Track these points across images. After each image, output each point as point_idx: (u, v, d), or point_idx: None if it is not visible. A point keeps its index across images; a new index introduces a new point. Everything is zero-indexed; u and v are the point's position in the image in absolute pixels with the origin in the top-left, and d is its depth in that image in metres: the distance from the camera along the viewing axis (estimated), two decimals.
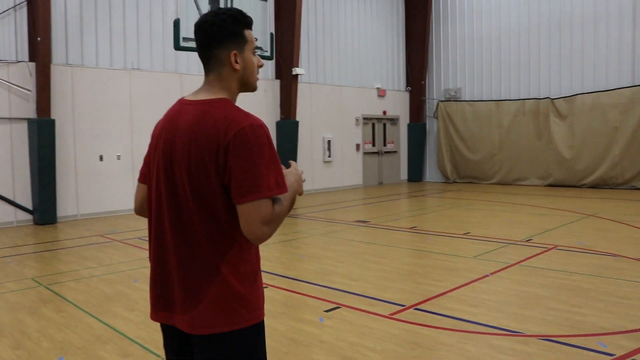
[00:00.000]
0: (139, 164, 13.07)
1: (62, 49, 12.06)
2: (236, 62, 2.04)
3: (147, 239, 2.41)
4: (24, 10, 11.56)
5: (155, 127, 2.17)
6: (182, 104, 2.08)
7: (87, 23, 12.40)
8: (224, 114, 1.93)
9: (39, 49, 11.17)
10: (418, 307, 5.45)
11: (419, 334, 4.71)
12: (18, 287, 6.63)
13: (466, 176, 19.24)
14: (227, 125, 1.89)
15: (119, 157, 12.71)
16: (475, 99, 18.91)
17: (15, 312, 5.65)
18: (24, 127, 11.55)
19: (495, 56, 18.41)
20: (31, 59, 11.59)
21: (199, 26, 2.04)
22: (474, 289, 6.04)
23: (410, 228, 10.06)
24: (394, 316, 5.19)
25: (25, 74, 11.49)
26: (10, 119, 11.39)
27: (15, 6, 11.44)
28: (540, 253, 7.70)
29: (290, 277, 6.71)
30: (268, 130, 1.95)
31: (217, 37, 2.01)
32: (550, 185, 17.15)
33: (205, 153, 1.89)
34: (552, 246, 8.13)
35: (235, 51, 2.04)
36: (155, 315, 2.10)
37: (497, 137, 18.29)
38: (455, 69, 19.51)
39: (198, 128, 1.93)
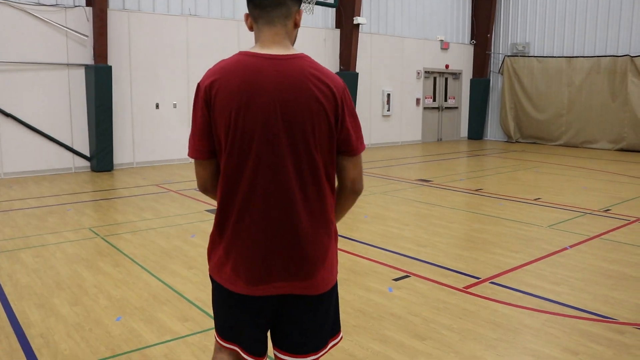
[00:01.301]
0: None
1: None
2: (298, 18, 2.00)
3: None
4: None
5: (225, 86, 1.88)
6: (260, 58, 1.90)
7: None
8: (324, 70, 1.93)
9: None
10: (494, 280, 5.02)
11: (498, 313, 4.29)
12: (76, 237, 6.53)
13: (530, 136, 18.30)
14: (334, 81, 1.91)
15: (175, 106, 12.50)
16: (545, 55, 17.76)
17: (73, 264, 5.52)
18: (81, 73, 11.41)
19: (569, 9, 17.13)
20: (88, 3, 11.33)
21: None
22: (554, 263, 5.54)
23: (477, 190, 9.52)
24: (469, 290, 4.78)
25: (82, 19, 11.28)
26: (68, 64, 11.27)
27: None
28: (622, 226, 7.08)
29: (355, 239, 6.36)
30: None
31: None
32: (622, 150, 16.10)
33: (326, 107, 1.88)
34: (634, 219, 7.48)
35: (300, 9, 2.02)
36: (254, 289, 1.96)
37: (566, 96, 17.21)
38: (525, 22, 18.31)
39: (309, 84, 1.87)
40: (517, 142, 18.46)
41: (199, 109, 1.94)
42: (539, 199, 8.80)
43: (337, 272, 2.09)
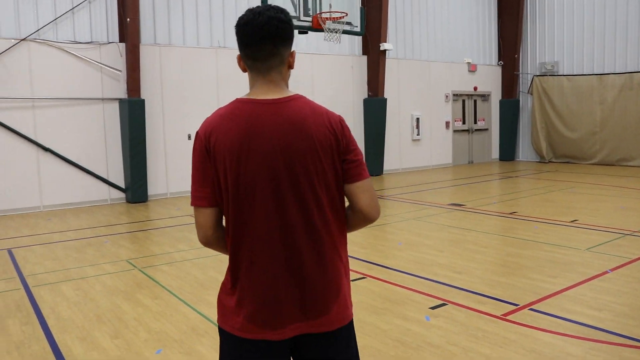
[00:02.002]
0: None
1: (150, 29, 12.12)
2: (291, 61, 2.05)
3: None
4: None
5: (224, 135, 1.93)
6: (257, 104, 1.95)
7: (173, 2, 12.38)
8: (319, 108, 2.00)
9: (129, 29, 11.25)
10: (533, 307, 4.94)
11: (540, 341, 4.21)
12: (114, 269, 6.64)
13: (563, 155, 18.05)
14: (330, 117, 1.99)
15: None
16: (575, 73, 17.59)
17: (112, 296, 5.61)
18: (115, 107, 11.73)
19: (598, 26, 16.98)
20: (121, 39, 11.70)
21: (269, 22, 1.92)
22: (594, 288, 5.43)
23: (511, 213, 9.41)
24: (508, 317, 4.71)
25: (115, 55, 11.62)
26: (102, 99, 11.59)
27: None
28: None
29: (390, 267, 6.33)
30: None
31: (286, 35, 1.98)
32: None
33: (326, 143, 1.94)
34: None
35: (293, 52, 2.05)
36: (271, 333, 1.95)
37: (598, 114, 16.97)
38: (552, 40, 18.20)
39: (308, 123, 1.93)
40: (550, 162, 18.22)
41: (199, 158, 1.98)
42: (575, 220, 8.65)
43: (352, 306, 2.11)
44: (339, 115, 2.05)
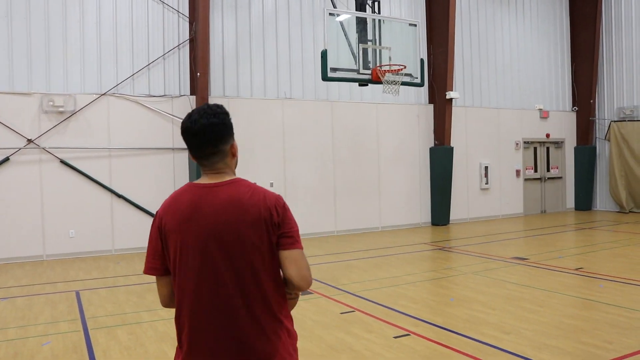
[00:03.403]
0: (292, 190, 13.39)
1: (219, 82, 12.72)
2: (233, 151, 2.33)
3: None
4: (187, 49, 12.39)
5: (172, 215, 2.23)
6: (201, 188, 2.24)
7: (242, 57, 12.98)
8: (258, 188, 2.25)
9: (199, 83, 11.86)
10: None
11: None
12: (168, 316, 6.83)
13: None
14: (266, 195, 2.22)
15: (271, 185, 13.01)
16: None
17: (161, 342, 5.79)
18: (184, 156, 12.27)
19: None
20: (192, 92, 12.36)
21: (205, 129, 2.21)
22: None
23: (576, 269, 8.98)
24: None
25: (186, 107, 12.25)
26: (173, 149, 12.19)
27: (179, 45, 12.31)
28: None
29: (437, 324, 6.18)
30: None
31: (225, 135, 2.27)
32: None
33: (260, 217, 2.16)
34: None
35: (233, 142, 2.32)
36: None
37: None
38: (631, 84, 17.49)
39: (243, 201, 2.18)
40: (630, 212, 17.28)
41: (153, 234, 2.27)
42: None
43: None
44: (278, 195, 2.28)
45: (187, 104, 12.27)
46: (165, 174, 12.16)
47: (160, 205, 2.32)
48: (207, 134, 2.22)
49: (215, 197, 2.20)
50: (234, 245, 2.15)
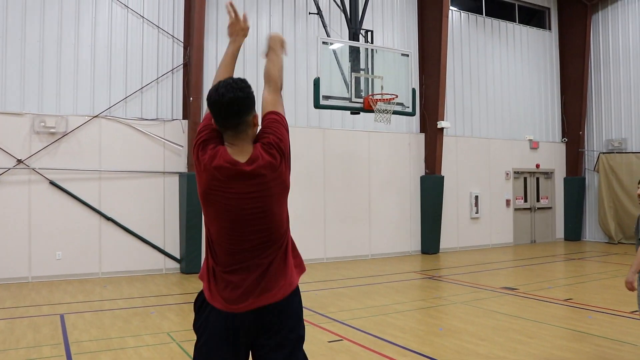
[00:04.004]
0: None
1: None
2: (255, 121, 2.63)
3: None
4: (181, 73, 12.46)
5: (215, 172, 2.57)
6: (238, 168, 2.57)
7: None
8: (264, 156, 2.63)
9: (191, 107, 11.90)
10: None
11: None
12: (153, 342, 6.76)
13: (633, 237, 17.13)
14: (268, 160, 2.62)
15: None
16: None
17: None
18: (175, 180, 12.26)
19: None
20: (184, 117, 12.39)
21: (232, 101, 2.49)
22: None
23: (565, 300, 8.97)
24: None
25: (178, 131, 12.28)
26: (164, 172, 12.17)
27: (172, 69, 12.38)
28: None
29: (425, 354, 6.13)
30: None
31: (249, 107, 2.56)
32: None
33: (275, 179, 2.64)
34: None
35: (255, 113, 2.61)
36: (243, 306, 2.61)
37: None
38: (619, 117, 17.74)
39: (267, 179, 2.61)
40: (619, 243, 17.36)
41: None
42: (636, 311, 8.11)
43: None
44: (268, 142, 2.65)
45: (179, 128, 12.29)
46: (156, 197, 12.10)
47: (203, 131, 2.66)
48: (234, 105, 2.50)
49: (243, 183, 2.55)
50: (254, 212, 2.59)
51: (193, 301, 2.83)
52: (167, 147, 12.19)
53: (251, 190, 2.56)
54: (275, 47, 2.99)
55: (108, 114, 11.73)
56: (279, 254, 2.69)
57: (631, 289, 4.89)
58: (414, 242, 15.43)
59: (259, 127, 2.68)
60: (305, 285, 10.53)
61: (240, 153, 2.56)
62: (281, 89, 2.90)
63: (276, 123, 2.69)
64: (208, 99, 2.54)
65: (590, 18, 18.34)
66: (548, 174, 18.58)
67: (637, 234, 5.21)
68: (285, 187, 2.69)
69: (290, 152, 2.70)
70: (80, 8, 11.61)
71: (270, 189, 2.60)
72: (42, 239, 11.07)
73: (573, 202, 18.43)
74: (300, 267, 2.84)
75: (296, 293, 2.76)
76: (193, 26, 12.03)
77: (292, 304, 2.73)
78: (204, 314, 2.70)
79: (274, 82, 2.88)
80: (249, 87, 2.55)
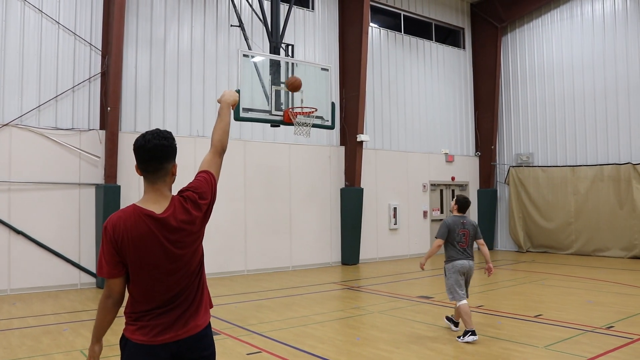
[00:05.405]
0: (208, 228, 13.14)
1: (131, 117, 12.50)
2: (174, 170, 2.88)
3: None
4: (98, 82, 12.13)
5: (123, 235, 2.71)
6: (152, 217, 2.76)
7: (155, 93, 12.86)
8: (183, 206, 2.88)
9: (109, 117, 11.61)
10: None
11: None
12: None
13: (540, 245, 18.21)
14: (189, 209, 2.90)
15: None
16: (549, 165, 18.10)
17: None
18: (91, 192, 11.89)
19: (569, 120, 17.67)
20: (102, 127, 12.05)
21: (156, 148, 2.75)
22: None
23: (477, 307, 9.40)
24: None
25: (95, 142, 11.93)
26: (79, 184, 11.77)
27: (89, 78, 12.04)
28: (624, 345, 6.89)
29: None
30: None
31: (170, 155, 2.81)
32: (636, 257, 15.88)
33: (192, 229, 2.88)
34: (637, 337, 7.29)
35: (175, 163, 2.86)
36: (166, 337, 2.78)
37: (573, 205, 17.31)
38: (527, 133, 18.84)
39: (186, 226, 2.84)
40: (527, 251, 18.36)
41: (108, 247, 2.77)
42: (540, 315, 8.65)
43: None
44: (186, 195, 2.90)
45: (96, 138, 11.94)
46: (70, 209, 11.67)
47: (107, 221, 2.75)
48: (156, 152, 2.75)
49: (161, 230, 2.75)
50: (180, 259, 2.80)
51: None
52: (83, 157, 11.81)
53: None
54: (222, 112, 3.23)
55: (19, 123, 11.23)
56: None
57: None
58: (335, 253, 15.67)
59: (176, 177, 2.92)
60: (225, 297, 10.49)
61: (155, 204, 2.79)
62: (223, 152, 3.17)
63: (203, 181, 2.95)
64: (135, 143, 2.79)
65: (500, 39, 19.41)
66: (463, 186, 19.41)
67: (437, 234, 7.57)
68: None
69: (210, 209, 2.95)
70: None
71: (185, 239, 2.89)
72: None
73: (486, 213, 19.33)
74: None
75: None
76: (112, 34, 11.75)
77: None
78: None
79: (215, 145, 3.13)
80: (173, 138, 2.83)
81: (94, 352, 2.86)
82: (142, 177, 2.83)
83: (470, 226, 7.56)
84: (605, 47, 16.87)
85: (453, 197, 19.12)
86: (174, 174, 2.87)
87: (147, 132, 2.81)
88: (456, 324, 7.78)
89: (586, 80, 17.26)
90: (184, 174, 13.42)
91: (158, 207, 2.77)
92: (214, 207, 3.09)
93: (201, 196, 2.88)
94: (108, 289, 2.77)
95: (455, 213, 7.65)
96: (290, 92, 10.01)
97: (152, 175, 2.80)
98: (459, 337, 7.21)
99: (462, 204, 7.62)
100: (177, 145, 2.86)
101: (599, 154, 16.95)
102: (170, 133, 2.84)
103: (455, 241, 7.43)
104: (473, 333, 7.05)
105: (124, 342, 2.83)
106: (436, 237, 7.57)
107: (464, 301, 7.28)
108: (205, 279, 3.01)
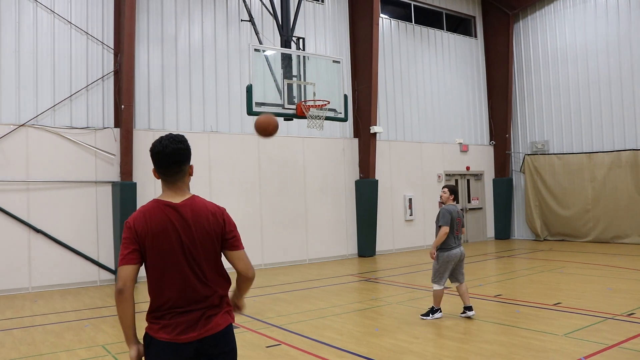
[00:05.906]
0: None
1: (144, 114, 12.57)
2: (191, 171, 3.07)
3: None
4: (111, 80, 12.21)
5: (144, 227, 2.88)
6: (171, 206, 2.94)
7: (168, 90, 12.91)
8: (210, 204, 3.04)
9: (123, 115, 11.68)
10: None
11: None
12: (88, 355, 6.61)
13: (558, 233, 18.07)
14: (218, 209, 3.04)
15: None
16: (565, 152, 17.92)
17: None
18: (108, 189, 11.99)
19: (584, 106, 17.47)
20: (116, 125, 12.14)
21: (174, 152, 2.92)
22: None
23: (495, 296, 9.36)
24: None
25: (110, 140, 12.02)
26: (96, 182, 11.88)
27: (103, 77, 12.12)
28: None
29: (361, 354, 6.28)
30: None
31: (187, 158, 3.00)
32: None
33: (217, 225, 2.98)
34: None
35: (191, 164, 3.05)
36: (189, 336, 2.88)
37: (590, 192, 17.14)
38: (542, 120, 18.67)
39: (207, 214, 2.96)
40: (545, 240, 18.23)
41: (129, 238, 2.92)
42: (559, 303, 8.60)
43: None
44: (222, 208, 3.07)
45: (110, 137, 12.03)
46: (88, 207, 11.79)
47: (130, 217, 2.92)
48: (175, 156, 2.92)
49: (186, 212, 2.91)
50: (200, 244, 2.91)
51: None
52: (99, 155, 11.91)
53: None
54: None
55: (35, 123, 11.34)
56: None
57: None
58: (351, 246, 15.68)
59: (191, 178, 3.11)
60: None
61: (175, 196, 2.97)
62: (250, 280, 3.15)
63: (235, 229, 3.08)
64: (152, 149, 2.93)
65: (512, 26, 19.22)
66: (478, 176, 19.30)
67: (437, 222, 7.94)
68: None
69: (224, 239, 3.03)
70: (1, 13, 11.19)
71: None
72: None
73: (502, 202, 19.21)
74: None
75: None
76: (123, 32, 11.81)
77: None
78: None
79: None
80: (187, 141, 3.01)
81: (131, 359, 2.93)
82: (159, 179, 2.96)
83: (461, 214, 8.14)
84: (620, 31, 16.64)
85: (468, 186, 19.04)
86: (191, 174, 3.06)
87: (162, 137, 2.95)
88: (470, 308, 7.83)
89: (601, 65, 17.05)
90: (198, 170, 13.62)
91: (177, 198, 2.95)
92: (230, 204, 3.17)
93: (227, 228, 3.01)
94: (120, 279, 2.82)
95: (451, 202, 8.08)
96: (302, 86, 10.00)
97: (170, 178, 2.97)
98: (422, 315, 7.93)
99: (456, 193, 8.18)
100: (190, 148, 3.03)
101: (616, 140, 16.75)
102: (183, 137, 3.00)
103: (453, 229, 7.86)
104: (440, 310, 7.89)
105: (148, 340, 2.91)
106: (442, 225, 7.82)
107: (442, 287, 7.89)
108: (226, 277, 3.06)
